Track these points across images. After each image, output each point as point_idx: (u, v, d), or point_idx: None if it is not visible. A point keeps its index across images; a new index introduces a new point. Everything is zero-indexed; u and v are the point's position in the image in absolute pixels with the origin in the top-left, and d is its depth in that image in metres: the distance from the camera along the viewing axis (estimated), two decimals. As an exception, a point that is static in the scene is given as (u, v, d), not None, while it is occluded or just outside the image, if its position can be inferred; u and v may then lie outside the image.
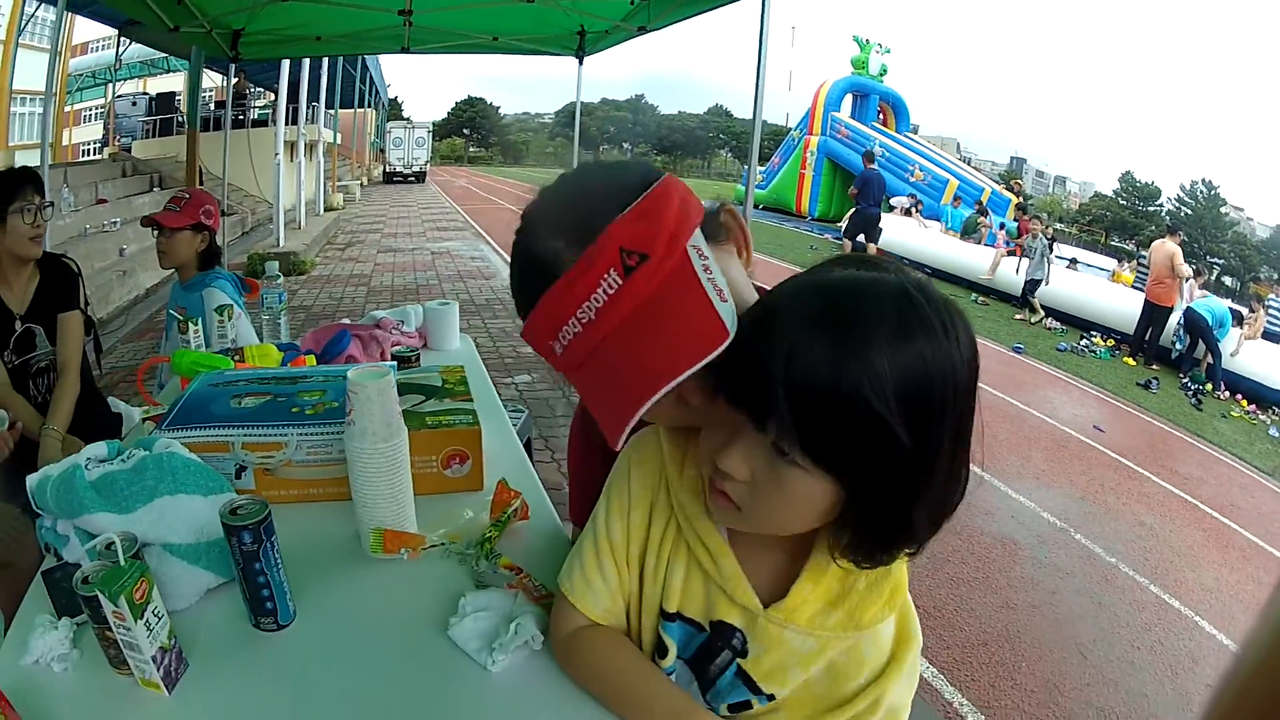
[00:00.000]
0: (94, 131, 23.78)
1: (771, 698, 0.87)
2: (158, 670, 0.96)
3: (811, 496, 0.73)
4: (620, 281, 0.74)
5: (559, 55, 7.31)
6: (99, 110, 24.23)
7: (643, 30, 6.35)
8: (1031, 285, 12.16)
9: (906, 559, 0.81)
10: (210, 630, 1.08)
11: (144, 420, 1.72)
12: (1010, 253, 12.72)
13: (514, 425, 2.91)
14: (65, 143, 20.00)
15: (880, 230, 13.30)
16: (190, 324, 2.13)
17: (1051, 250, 12.95)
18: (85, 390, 2.56)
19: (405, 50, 7.02)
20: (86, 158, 19.35)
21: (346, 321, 2.24)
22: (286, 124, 12.09)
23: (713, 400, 0.77)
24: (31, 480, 1.21)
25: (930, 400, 0.67)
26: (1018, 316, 12.08)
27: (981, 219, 16.22)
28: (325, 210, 17.02)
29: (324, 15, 6.10)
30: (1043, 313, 12.06)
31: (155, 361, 2.08)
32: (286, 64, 11.61)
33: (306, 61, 12.92)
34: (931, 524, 0.75)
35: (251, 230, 14.01)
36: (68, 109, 20.99)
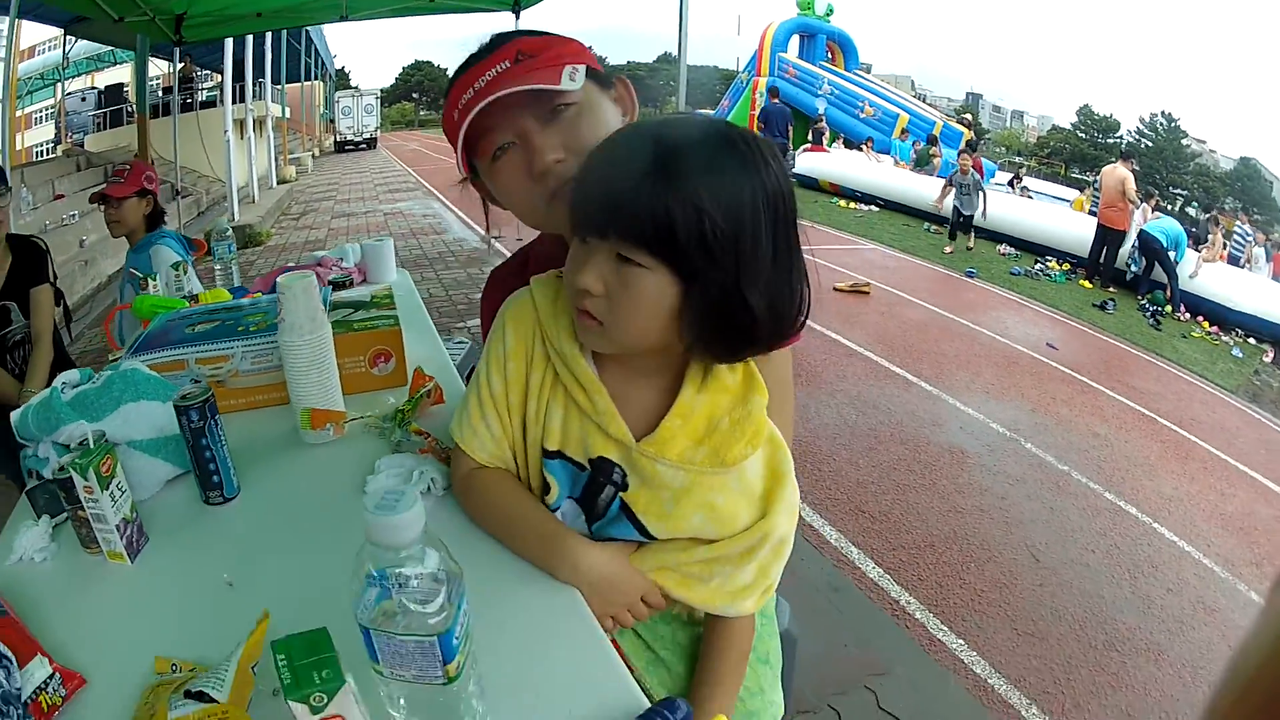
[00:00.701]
0: (46, 132, 23.30)
1: (654, 538, 0.99)
2: (121, 540, 1.12)
3: (658, 293, 0.84)
4: (508, 65, 1.03)
5: (494, 11, 7.36)
6: (49, 111, 23.69)
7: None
8: (959, 217, 12.07)
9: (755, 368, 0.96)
10: (167, 511, 1.25)
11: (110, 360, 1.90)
12: (949, 183, 12.85)
13: (458, 355, 3.10)
14: (18, 147, 19.71)
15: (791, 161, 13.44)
16: (150, 280, 2.30)
17: (1015, 187, 13.09)
18: (58, 356, 2.75)
19: (344, 18, 7.09)
20: (41, 158, 19.08)
21: (291, 264, 2.42)
22: (234, 102, 12.06)
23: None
24: (15, 415, 1.38)
25: (738, 198, 0.81)
26: (947, 250, 11.87)
27: (933, 150, 16.44)
28: (278, 183, 17.07)
29: (262, -9, 6.21)
30: (972, 245, 12.06)
31: (120, 309, 2.25)
32: (230, 43, 11.57)
33: (250, 39, 12.91)
34: (771, 314, 0.85)
35: (207, 210, 13.97)
36: (18, 114, 20.61)
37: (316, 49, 25.57)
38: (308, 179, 20.61)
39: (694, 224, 0.79)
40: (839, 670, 2.80)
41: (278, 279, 1.36)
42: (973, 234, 12.12)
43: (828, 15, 22.78)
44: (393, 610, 0.66)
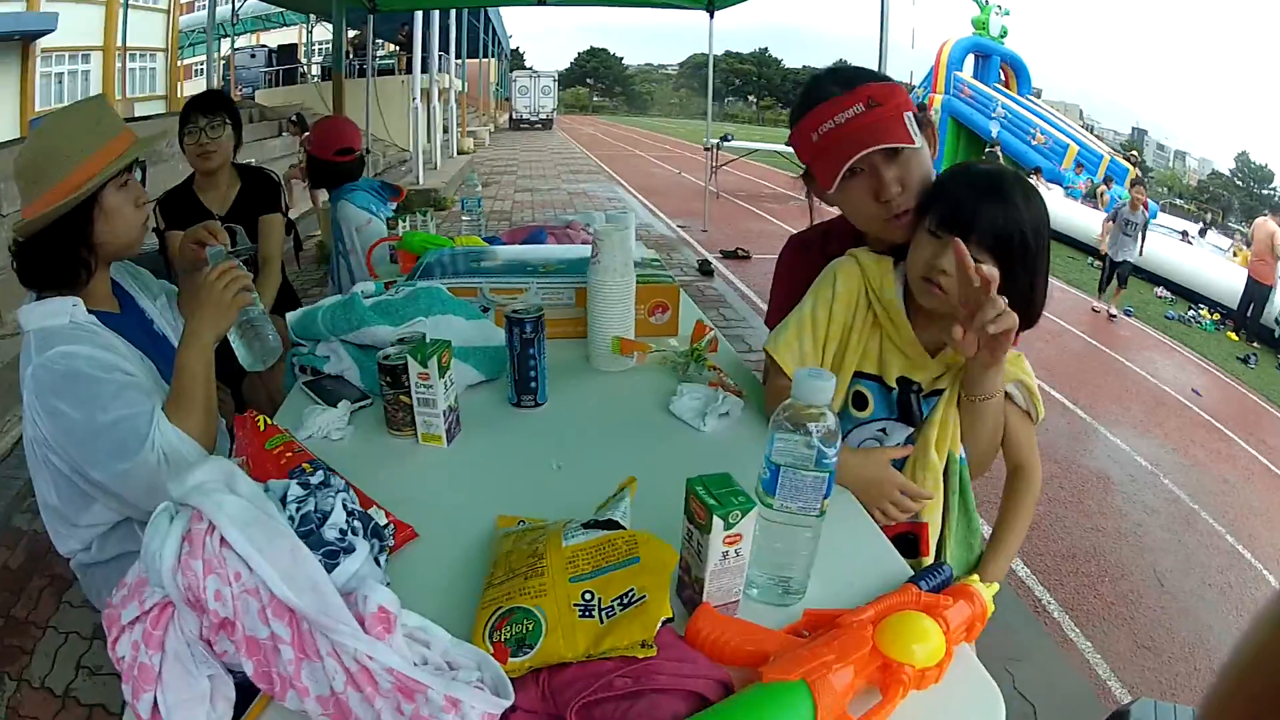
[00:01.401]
0: (204, 85, 24.69)
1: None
2: (444, 425, 1.31)
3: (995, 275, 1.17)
4: (863, 109, 1.27)
5: (689, 9, 7.44)
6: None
7: (771, -15, 6.51)
8: (1112, 266, 10.08)
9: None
10: (475, 409, 1.44)
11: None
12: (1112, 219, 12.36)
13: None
14: (180, 95, 20.85)
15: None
16: (400, 220, 2.59)
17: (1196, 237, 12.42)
18: (284, 282, 3.01)
19: (542, 2, 7.29)
20: None
21: (539, 223, 2.66)
22: (422, 72, 12.68)
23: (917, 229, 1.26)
24: (292, 316, 1.63)
25: (1040, 223, 1.20)
26: (1095, 305, 10.21)
27: (1104, 185, 15.93)
28: (458, 154, 17.71)
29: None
30: (1115, 313, 9.97)
31: (383, 241, 2.49)
32: (419, 15, 12.14)
33: (436, 13, 13.44)
34: (1039, 303, 1.24)
35: (383, 171, 14.70)
36: (180, 64, 21.81)
37: (494, 28, 26.40)
38: (485, 152, 21.18)
39: (1019, 237, 1.18)
40: (983, 648, 2.88)
41: (595, 227, 1.56)
42: (1119, 285, 10.33)
43: (1002, 36, 22.17)
44: (801, 453, 0.87)
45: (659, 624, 0.78)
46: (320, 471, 0.97)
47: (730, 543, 0.83)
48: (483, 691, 0.73)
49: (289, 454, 1.24)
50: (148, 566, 0.79)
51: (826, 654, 0.76)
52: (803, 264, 1.54)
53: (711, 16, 7.55)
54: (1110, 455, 5.46)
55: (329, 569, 0.80)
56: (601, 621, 0.79)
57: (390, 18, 12.51)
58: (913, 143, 1.28)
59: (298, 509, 0.90)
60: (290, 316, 1.63)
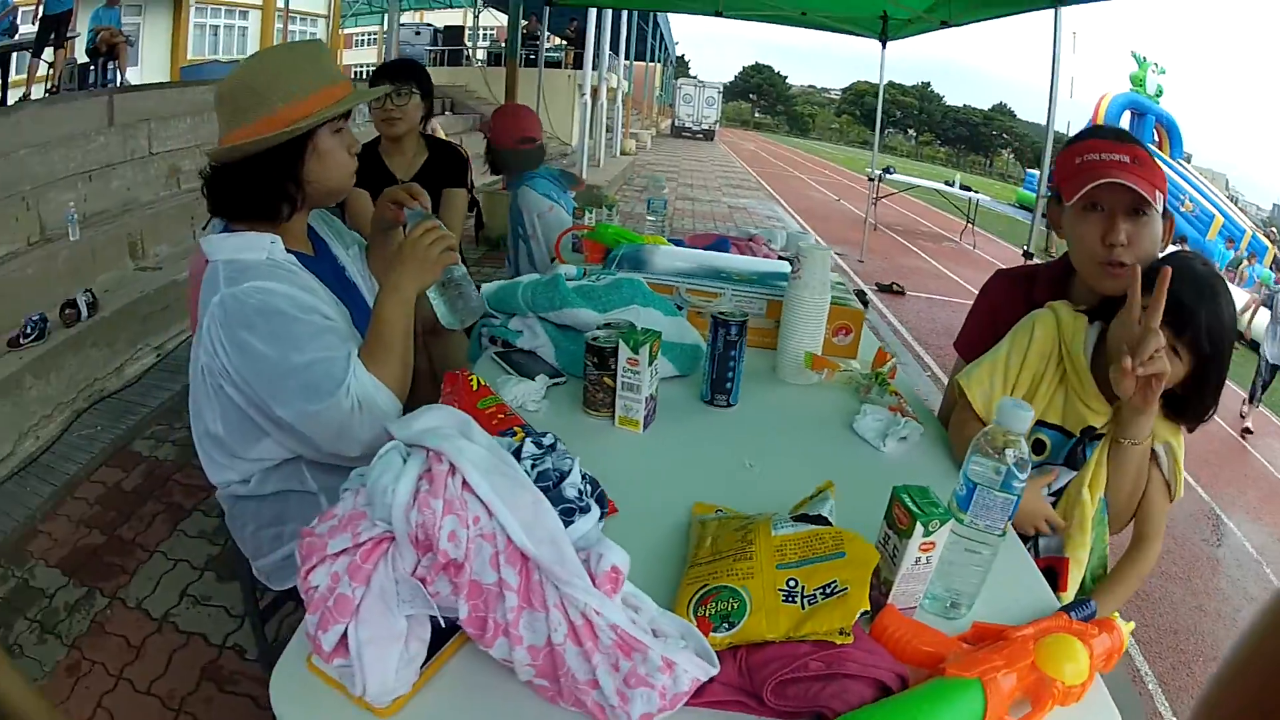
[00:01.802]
0: (367, 55, 24.42)
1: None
2: (643, 410, 1.40)
3: (1179, 370, 1.29)
4: (1128, 160, 1.38)
5: (862, 36, 7.46)
6: (370, 35, 25.12)
7: (944, 25, 6.48)
8: (1274, 371, 8.30)
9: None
10: (666, 402, 1.53)
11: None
12: (1263, 303, 11.52)
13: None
14: (340, 64, 20.97)
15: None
16: (587, 212, 2.69)
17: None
18: (460, 258, 3.15)
19: (719, 13, 7.33)
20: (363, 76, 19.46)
21: (718, 232, 2.74)
22: (583, 69, 12.97)
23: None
24: (488, 288, 1.70)
25: (1231, 320, 1.29)
26: (1241, 410, 8.15)
27: (1246, 260, 15.13)
28: (620, 154, 17.91)
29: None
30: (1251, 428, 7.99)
31: (572, 230, 2.60)
32: (592, 12, 12.38)
33: (609, 12, 13.65)
34: (1216, 403, 1.36)
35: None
36: (340, 32, 22.13)
37: (662, 33, 26.60)
38: (646, 156, 21.44)
39: (1222, 344, 1.28)
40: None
41: (800, 245, 1.63)
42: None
43: (1158, 96, 21.45)
44: (995, 474, 0.95)
45: (856, 615, 0.84)
46: (549, 434, 1.05)
47: (924, 549, 0.92)
48: (696, 658, 0.79)
49: (500, 415, 1.34)
50: (373, 500, 0.81)
51: (997, 660, 0.85)
52: (1004, 299, 1.67)
53: (884, 46, 7.52)
54: (1222, 537, 5.43)
55: (564, 525, 0.84)
56: (803, 607, 0.86)
57: (562, 11, 12.81)
58: (1155, 206, 1.38)
59: (533, 465, 0.98)
60: (486, 288, 1.71)
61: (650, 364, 1.37)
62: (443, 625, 0.82)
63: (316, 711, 0.79)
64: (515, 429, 1.26)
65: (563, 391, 1.54)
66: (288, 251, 1.45)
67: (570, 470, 0.98)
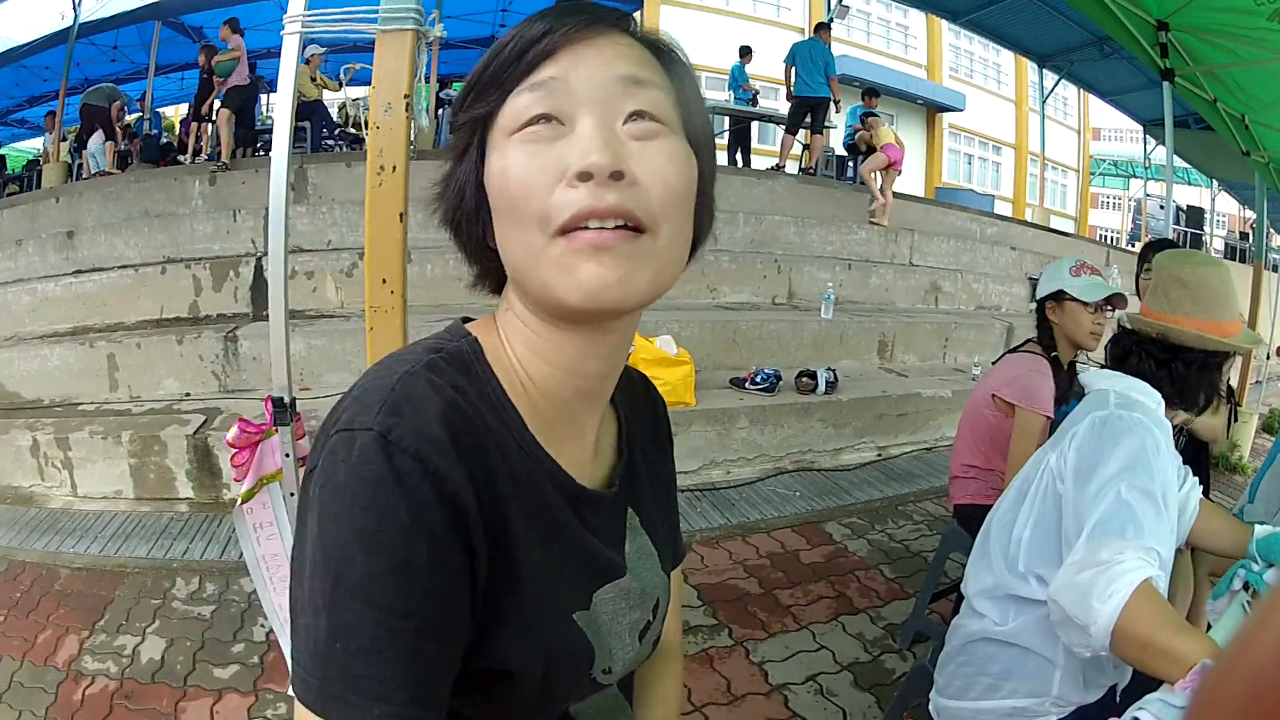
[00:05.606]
0: (1108, 219, 23.70)
1: None
2: None
3: None
4: None
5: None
6: (1114, 199, 24.31)
7: None
8: None
9: None
10: None
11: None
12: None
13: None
14: (1087, 222, 19.95)
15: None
16: None
17: None
18: None
19: None
20: (1112, 242, 17.58)
21: None
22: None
23: None
24: (1260, 531, 1.46)
25: None
26: None
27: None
28: None
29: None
30: None
31: None
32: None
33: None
34: None
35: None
36: (1089, 190, 21.13)
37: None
38: None
39: None
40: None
41: None
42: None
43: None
44: None
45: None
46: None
47: None
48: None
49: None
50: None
51: None
52: None
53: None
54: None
55: None
56: None
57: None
58: None
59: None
60: (1258, 531, 1.47)
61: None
62: None
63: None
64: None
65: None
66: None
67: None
